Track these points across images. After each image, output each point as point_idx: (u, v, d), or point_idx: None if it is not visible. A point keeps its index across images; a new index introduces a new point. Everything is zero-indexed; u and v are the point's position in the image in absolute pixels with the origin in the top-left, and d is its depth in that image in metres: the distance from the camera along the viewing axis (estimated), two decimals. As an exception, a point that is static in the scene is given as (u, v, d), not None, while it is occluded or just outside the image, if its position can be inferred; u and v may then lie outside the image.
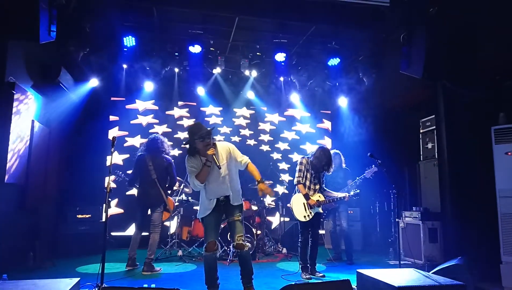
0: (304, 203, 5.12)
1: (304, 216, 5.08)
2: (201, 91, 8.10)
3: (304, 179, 5.18)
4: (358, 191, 5.47)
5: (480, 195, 4.99)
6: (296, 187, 5.20)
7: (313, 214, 5.09)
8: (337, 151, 6.46)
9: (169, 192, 5.67)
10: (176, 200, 6.66)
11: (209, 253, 3.87)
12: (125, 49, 6.47)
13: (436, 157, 6.02)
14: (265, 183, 3.94)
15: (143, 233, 5.44)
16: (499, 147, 4.69)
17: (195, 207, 7.63)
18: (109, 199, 3.86)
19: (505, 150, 4.64)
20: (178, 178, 6.65)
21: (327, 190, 5.62)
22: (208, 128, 3.86)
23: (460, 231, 5.11)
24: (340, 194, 5.44)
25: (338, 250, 6.38)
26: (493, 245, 4.67)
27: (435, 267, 4.22)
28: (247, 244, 3.92)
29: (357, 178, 5.51)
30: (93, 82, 7.12)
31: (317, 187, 5.23)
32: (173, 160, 5.66)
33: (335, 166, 6.28)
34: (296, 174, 5.22)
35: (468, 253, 4.40)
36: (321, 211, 5.24)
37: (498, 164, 4.69)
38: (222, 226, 5.75)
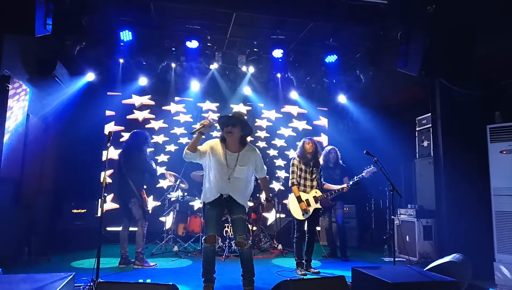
0: None
1: (302, 214, 5.09)
2: (197, 86, 8.07)
3: (298, 179, 5.20)
4: (357, 179, 5.47)
5: (475, 193, 5.02)
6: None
7: (311, 211, 5.10)
8: (333, 147, 6.46)
9: (145, 187, 5.50)
10: (172, 196, 6.66)
11: (208, 245, 3.89)
12: (121, 44, 6.44)
13: (432, 155, 6.05)
14: (271, 203, 4.32)
15: (131, 229, 5.43)
16: (494, 145, 4.72)
17: (191, 203, 7.65)
18: (105, 194, 3.85)
19: (500, 148, 4.67)
20: (173, 173, 6.66)
21: (326, 184, 5.62)
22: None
23: (454, 228, 5.15)
24: (339, 187, 5.46)
25: (333, 247, 6.41)
26: (487, 243, 4.71)
27: (429, 264, 4.24)
28: (248, 242, 3.93)
29: (355, 177, 5.51)
30: (89, 77, 7.08)
31: (314, 183, 5.24)
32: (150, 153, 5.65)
33: (332, 163, 6.30)
34: (290, 176, 5.25)
35: (462, 251, 4.43)
36: (320, 207, 5.23)
37: (493, 162, 4.72)
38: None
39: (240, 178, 3.92)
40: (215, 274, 3.99)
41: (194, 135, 3.79)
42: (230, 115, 3.99)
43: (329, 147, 6.45)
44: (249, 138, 4.14)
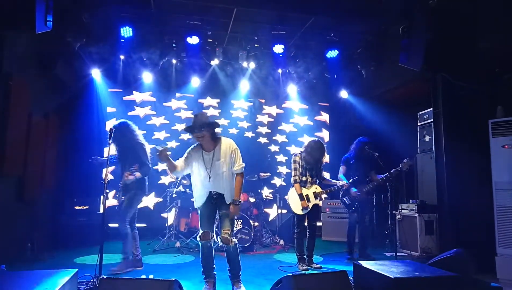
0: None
1: (302, 209, 5.11)
2: (198, 82, 8.06)
3: (300, 176, 5.20)
4: (356, 177, 5.42)
5: (477, 188, 5.02)
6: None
7: (310, 207, 5.11)
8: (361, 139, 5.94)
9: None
10: (174, 192, 6.67)
11: (203, 242, 3.91)
12: (122, 40, 6.42)
13: (433, 150, 6.04)
14: (236, 206, 3.90)
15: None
16: (496, 140, 4.72)
17: (192, 199, 7.65)
18: (107, 191, 3.86)
19: (502, 143, 4.67)
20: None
21: (327, 178, 5.60)
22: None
23: (456, 223, 5.15)
24: (339, 182, 5.45)
25: (352, 246, 5.99)
26: (489, 237, 4.71)
27: (431, 259, 4.25)
28: (233, 240, 3.90)
29: (393, 169, 5.34)
30: (90, 73, 7.07)
31: (314, 179, 5.27)
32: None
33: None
34: (292, 173, 5.25)
35: (464, 245, 4.43)
36: (319, 203, 5.26)
37: (495, 157, 4.72)
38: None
39: (220, 173, 3.91)
40: (215, 270, 4.00)
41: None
42: (192, 123, 3.92)
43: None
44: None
